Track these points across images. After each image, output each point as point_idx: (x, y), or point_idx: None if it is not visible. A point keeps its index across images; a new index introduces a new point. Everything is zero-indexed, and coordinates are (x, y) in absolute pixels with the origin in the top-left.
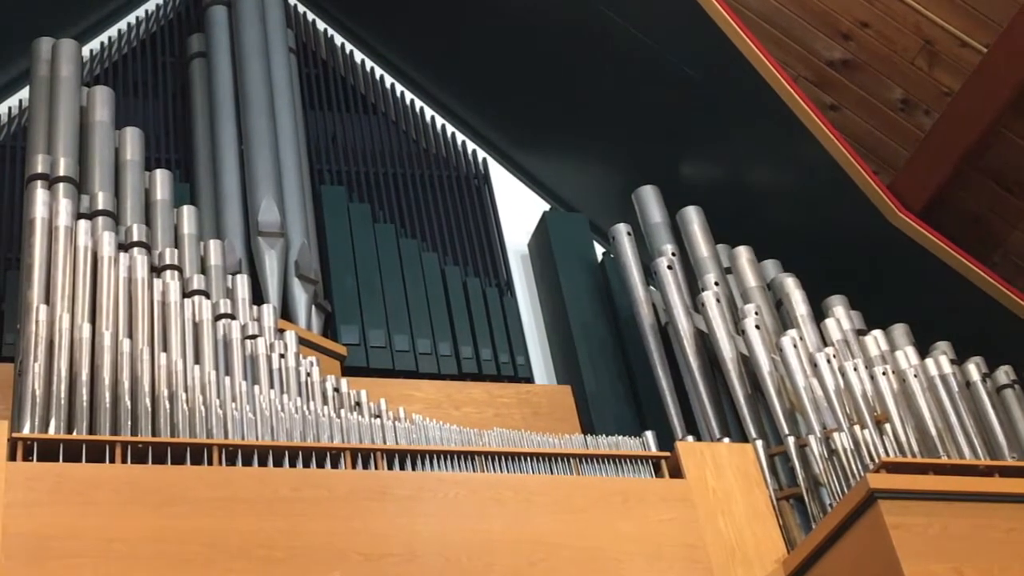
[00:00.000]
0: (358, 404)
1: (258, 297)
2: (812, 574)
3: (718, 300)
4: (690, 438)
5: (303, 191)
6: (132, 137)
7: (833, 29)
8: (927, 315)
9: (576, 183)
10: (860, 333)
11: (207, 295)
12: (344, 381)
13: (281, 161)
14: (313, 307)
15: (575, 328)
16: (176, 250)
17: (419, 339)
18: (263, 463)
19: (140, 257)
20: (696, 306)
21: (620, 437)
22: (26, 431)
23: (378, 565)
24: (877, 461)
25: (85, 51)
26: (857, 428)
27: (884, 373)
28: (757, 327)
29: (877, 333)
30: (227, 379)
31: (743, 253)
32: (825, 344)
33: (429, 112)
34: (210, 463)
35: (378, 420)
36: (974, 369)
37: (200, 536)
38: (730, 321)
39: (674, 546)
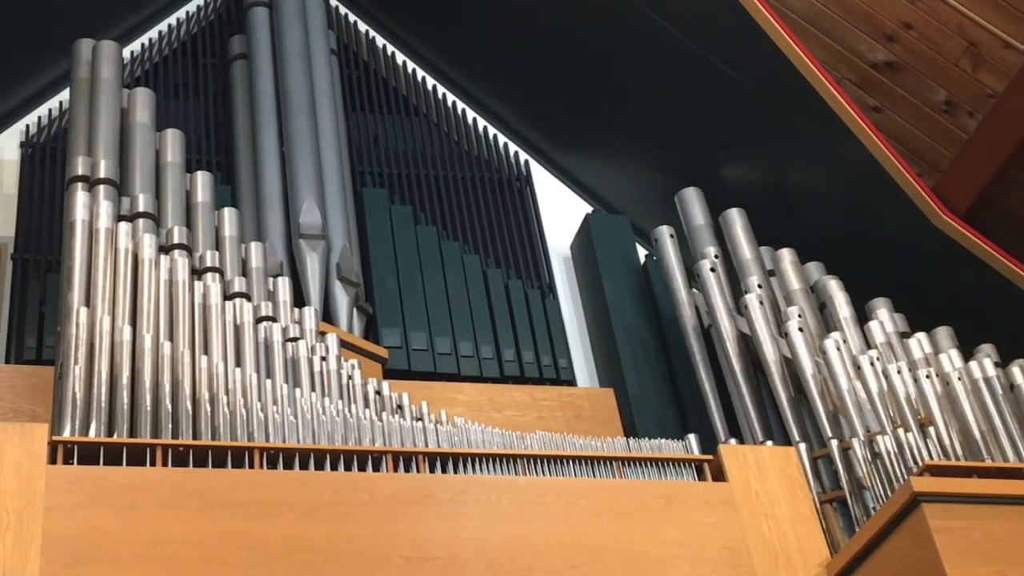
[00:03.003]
0: (400, 407)
1: (299, 300)
2: None
3: (761, 303)
4: (733, 441)
5: (344, 193)
6: (173, 139)
7: (876, 30)
8: (971, 318)
9: (619, 185)
10: (904, 336)
11: (248, 298)
12: (386, 384)
13: (322, 163)
14: (354, 310)
15: (618, 330)
16: (217, 252)
17: (461, 342)
18: (304, 466)
19: (181, 259)
20: (739, 308)
21: (663, 440)
22: (67, 434)
23: (420, 569)
24: (921, 464)
25: (126, 53)
26: (901, 431)
27: (928, 376)
28: (800, 330)
29: (921, 336)
30: (268, 382)
31: (786, 255)
32: (869, 347)
33: (471, 114)
34: (251, 466)
35: (420, 423)
36: (1018, 372)
37: (241, 539)
38: (773, 324)
39: (717, 549)
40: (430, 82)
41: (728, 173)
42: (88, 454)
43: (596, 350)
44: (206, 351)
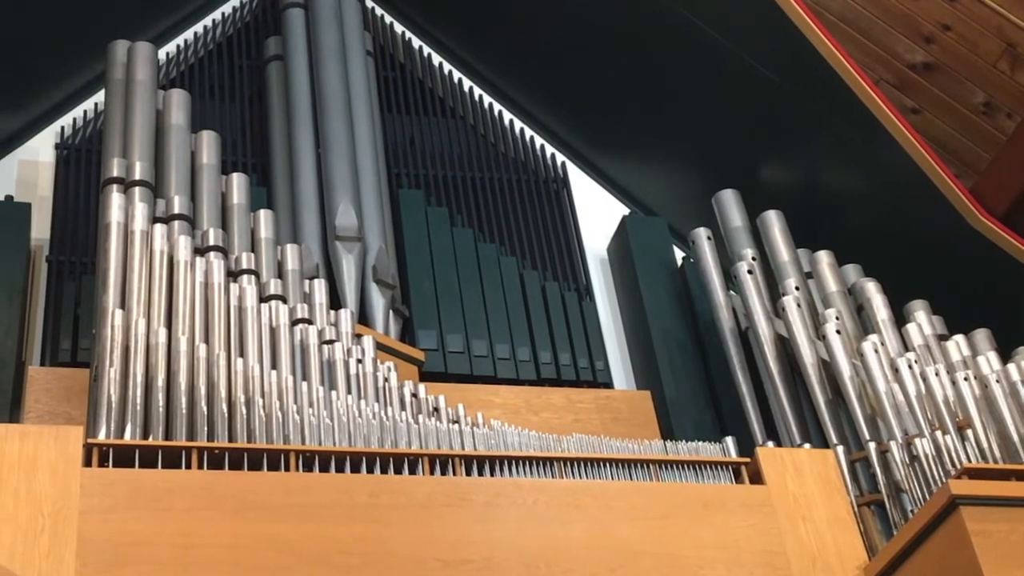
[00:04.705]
0: (436, 410)
1: (335, 302)
2: None
3: (799, 305)
4: (770, 444)
5: (381, 195)
6: (208, 141)
7: (915, 32)
8: (1009, 319)
9: (656, 187)
10: (942, 338)
11: (284, 300)
12: (422, 386)
13: (358, 165)
14: (391, 312)
15: (655, 333)
16: (253, 254)
17: (497, 344)
18: (340, 469)
19: (216, 261)
20: (776, 311)
21: (700, 443)
22: (102, 437)
23: (456, 571)
24: (959, 467)
25: (161, 54)
26: (939, 434)
27: (966, 378)
28: (838, 332)
29: (959, 338)
30: (304, 384)
31: (824, 257)
32: (906, 349)
33: (508, 116)
34: (287, 469)
35: (456, 426)
36: None
37: (277, 542)
38: (811, 326)
39: (754, 553)
40: (466, 84)
41: (765, 175)
42: (123, 457)
43: (633, 352)
44: (242, 353)
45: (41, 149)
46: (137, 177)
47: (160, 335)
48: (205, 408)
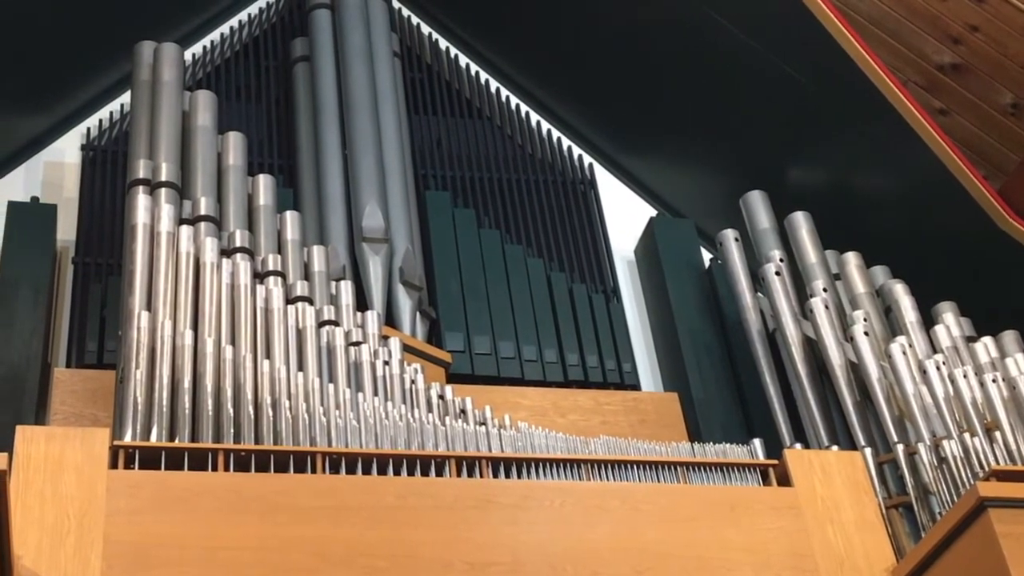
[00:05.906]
0: (463, 412)
1: (362, 303)
2: None
3: (826, 306)
4: (798, 446)
5: (407, 196)
6: (235, 142)
7: (943, 33)
8: None
9: (683, 188)
10: (970, 340)
11: (310, 301)
12: (449, 388)
13: (385, 166)
14: (417, 313)
15: (682, 335)
16: (279, 256)
17: (525, 346)
18: (367, 471)
19: (243, 263)
20: (804, 312)
21: (727, 445)
22: (128, 439)
23: (483, 574)
24: (987, 469)
25: (187, 55)
26: (967, 436)
27: (994, 380)
28: (866, 334)
29: (987, 340)
30: (331, 386)
31: (851, 259)
32: (934, 351)
33: (535, 117)
34: (314, 471)
35: (483, 428)
36: None
37: (304, 544)
38: (838, 328)
39: (782, 555)
40: (493, 85)
41: (793, 176)
42: (149, 459)
43: (660, 354)
44: (268, 355)
45: (67, 150)
46: (163, 178)
47: (186, 337)
48: (231, 410)
